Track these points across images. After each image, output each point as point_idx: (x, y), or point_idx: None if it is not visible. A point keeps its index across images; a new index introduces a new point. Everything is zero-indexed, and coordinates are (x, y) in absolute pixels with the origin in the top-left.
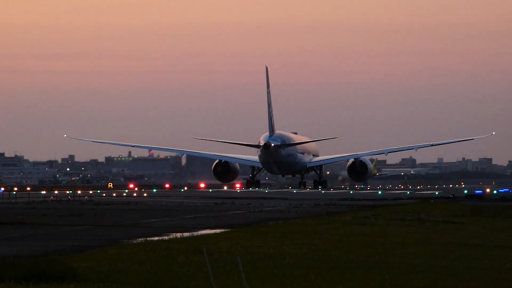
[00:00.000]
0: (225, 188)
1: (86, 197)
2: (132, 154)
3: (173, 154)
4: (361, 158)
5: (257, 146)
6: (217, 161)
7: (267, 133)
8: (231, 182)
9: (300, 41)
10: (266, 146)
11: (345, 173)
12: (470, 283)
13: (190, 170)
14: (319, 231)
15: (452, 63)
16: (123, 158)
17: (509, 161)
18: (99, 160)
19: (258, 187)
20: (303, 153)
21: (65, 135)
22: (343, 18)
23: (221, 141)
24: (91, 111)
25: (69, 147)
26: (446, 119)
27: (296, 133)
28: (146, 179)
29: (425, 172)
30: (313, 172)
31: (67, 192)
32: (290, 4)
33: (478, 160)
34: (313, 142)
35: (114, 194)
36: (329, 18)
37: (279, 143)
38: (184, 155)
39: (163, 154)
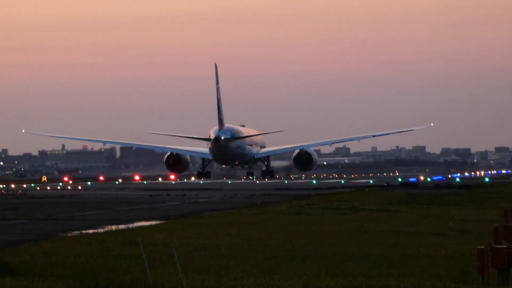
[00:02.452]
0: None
1: (19, 191)
2: (66, 147)
3: (107, 146)
4: (306, 149)
5: (208, 139)
6: (168, 153)
7: (217, 127)
8: (182, 173)
9: (245, 32)
10: (217, 139)
11: (290, 163)
12: (405, 270)
13: (124, 162)
14: (254, 222)
15: (389, 52)
16: (57, 152)
17: (442, 149)
18: (33, 154)
19: (209, 178)
20: (251, 145)
21: (23, 130)
22: (286, 8)
23: (173, 135)
24: (26, 104)
25: (1, 140)
26: (382, 109)
27: (243, 126)
28: (80, 172)
29: (359, 161)
30: (260, 162)
31: (0, 186)
32: None
33: (411, 148)
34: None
35: (48, 188)
36: (271, 8)
37: (229, 136)
38: (118, 147)
39: (97, 147)
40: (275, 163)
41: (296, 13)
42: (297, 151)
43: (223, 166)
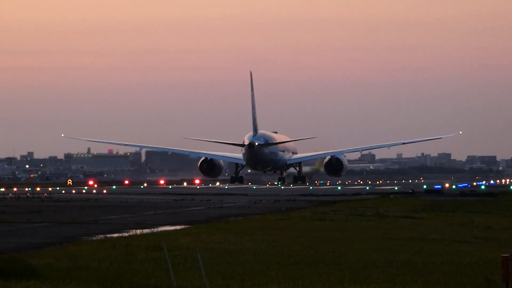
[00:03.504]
0: (210, 184)
1: (45, 194)
2: (92, 151)
3: (133, 150)
4: (338, 156)
5: (242, 145)
6: (203, 158)
7: (251, 133)
8: (216, 178)
9: (283, 38)
10: (251, 145)
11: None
12: (429, 278)
13: (149, 166)
14: (279, 227)
15: (416, 59)
16: (83, 155)
17: (468, 156)
18: (58, 157)
19: (242, 183)
20: (283, 151)
21: (62, 135)
22: (320, 13)
23: (208, 141)
24: (54, 108)
25: (28, 144)
26: (408, 116)
27: (276, 132)
28: (105, 175)
29: (385, 167)
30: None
31: (26, 189)
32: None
33: (437, 155)
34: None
35: (74, 191)
36: (303, 13)
37: (263, 142)
38: (144, 150)
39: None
40: (305, 169)
41: (328, 18)
42: (328, 157)
43: (251, 171)
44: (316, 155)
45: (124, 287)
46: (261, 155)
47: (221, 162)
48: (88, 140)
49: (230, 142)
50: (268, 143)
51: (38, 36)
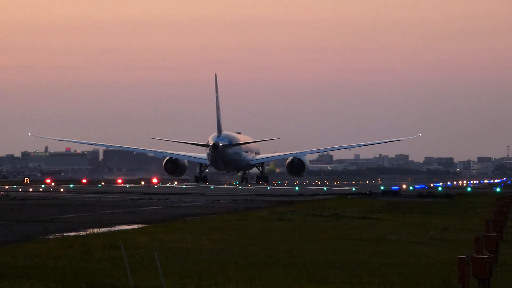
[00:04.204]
0: (175, 183)
1: (2, 192)
2: (49, 149)
3: (90, 149)
4: (299, 156)
5: (206, 146)
6: (167, 157)
7: (216, 134)
8: (180, 178)
9: (246, 39)
10: (215, 145)
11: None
12: (386, 279)
13: (107, 165)
14: (237, 227)
15: (375, 61)
16: (40, 153)
17: (425, 158)
18: (15, 155)
19: (205, 182)
20: (247, 152)
21: (29, 134)
22: (282, 14)
23: (173, 141)
24: (12, 106)
25: None
26: (367, 118)
27: (239, 133)
28: (63, 174)
29: (342, 168)
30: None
31: None
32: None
33: (394, 156)
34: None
35: (31, 189)
36: (266, 14)
37: (227, 143)
38: (102, 149)
39: (80, 149)
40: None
41: (291, 19)
42: (290, 158)
43: (212, 171)
44: (278, 155)
45: (81, 286)
46: (225, 156)
47: (185, 161)
48: (56, 140)
49: (195, 142)
50: (232, 143)
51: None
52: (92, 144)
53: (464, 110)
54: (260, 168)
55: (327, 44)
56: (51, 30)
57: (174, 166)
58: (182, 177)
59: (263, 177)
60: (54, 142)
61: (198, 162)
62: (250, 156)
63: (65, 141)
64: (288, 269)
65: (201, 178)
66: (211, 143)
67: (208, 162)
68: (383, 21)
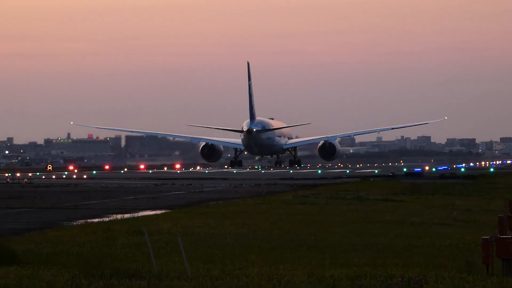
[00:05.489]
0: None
1: (25, 179)
2: (72, 136)
3: (112, 135)
4: (330, 140)
5: (241, 131)
6: (203, 143)
7: (249, 120)
8: (216, 162)
9: (277, 25)
10: (249, 131)
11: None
12: (410, 260)
13: (129, 151)
14: (260, 211)
15: (396, 44)
16: (62, 140)
17: (448, 139)
18: (38, 143)
19: (241, 166)
20: (280, 137)
21: (71, 122)
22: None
23: (209, 127)
24: (33, 94)
25: (7, 129)
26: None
27: (272, 119)
28: (85, 160)
29: (365, 151)
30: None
31: (6, 175)
32: None
33: (416, 138)
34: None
35: (54, 176)
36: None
37: (260, 129)
38: (124, 135)
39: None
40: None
41: (321, 3)
42: (321, 142)
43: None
44: (310, 140)
45: (105, 272)
46: (259, 141)
47: (221, 147)
48: (98, 128)
49: (229, 128)
50: (265, 129)
51: (16, 22)
52: (131, 132)
53: (486, 91)
54: (293, 152)
55: (350, 27)
56: (77, 17)
57: (211, 152)
58: (220, 161)
59: (296, 161)
60: (76, 128)
61: (233, 148)
62: (283, 140)
63: (106, 129)
64: (312, 253)
65: (236, 162)
66: (245, 128)
67: (242, 147)
68: (408, 4)
